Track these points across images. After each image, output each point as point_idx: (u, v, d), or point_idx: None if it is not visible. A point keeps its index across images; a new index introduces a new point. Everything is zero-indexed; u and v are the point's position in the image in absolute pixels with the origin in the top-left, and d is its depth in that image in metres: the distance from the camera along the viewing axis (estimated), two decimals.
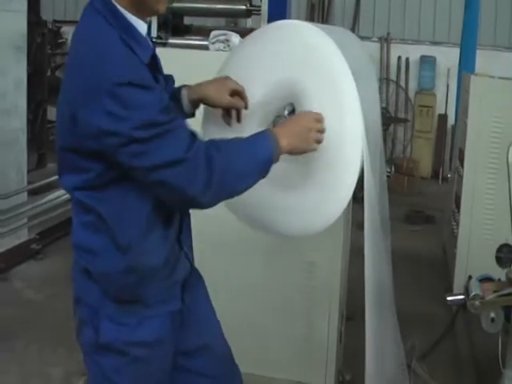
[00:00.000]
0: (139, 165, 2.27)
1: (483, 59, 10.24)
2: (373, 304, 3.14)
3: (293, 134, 2.61)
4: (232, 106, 2.84)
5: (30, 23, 7.09)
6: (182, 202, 2.44)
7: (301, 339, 4.38)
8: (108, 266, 2.48)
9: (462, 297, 3.63)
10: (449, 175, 8.51)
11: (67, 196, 7.83)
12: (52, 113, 12.54)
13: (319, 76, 2.77)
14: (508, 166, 3.67)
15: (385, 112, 11.25)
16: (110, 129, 2.20)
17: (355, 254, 4.19)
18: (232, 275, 4.32)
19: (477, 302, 3.49)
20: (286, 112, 2.83)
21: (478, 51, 9.26)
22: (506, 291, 3.48)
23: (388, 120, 10.94)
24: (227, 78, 2.85)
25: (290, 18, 6.58)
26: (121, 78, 2.19)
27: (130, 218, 2.43)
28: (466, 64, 7.79)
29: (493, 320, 3.52)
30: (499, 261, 3.79)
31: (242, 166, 2.45)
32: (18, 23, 6.77)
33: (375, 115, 3.62)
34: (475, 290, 3.55)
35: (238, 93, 2.82)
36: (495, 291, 3.52)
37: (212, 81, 2.86)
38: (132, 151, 2.24)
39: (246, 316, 4.34)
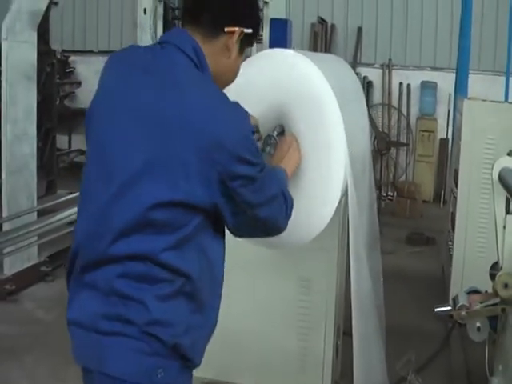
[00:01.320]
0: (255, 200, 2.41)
1: (484, 84, 10.48)
2: (359, 319, 3.34)
3: (291, 169, 2.84)
4: None
5: (39, 53, 7.26)
6: (269, 233, 2.61)
7: (298, 353, 4.50)
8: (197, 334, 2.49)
9: (449, 308, 3.81)
10: None
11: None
12: (61, 141, 12.79)
13: (305, 101, 3.02)
14: (492, 183, 3.84)
15: (384, 136, 11.44)
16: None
17: None
18: (229, 291, 4.45)
19: (463, 312, 3.66)
20: (275, 133, 3.06)
21: (479, 76, 9.47)
22: (491, 302, 3.65)
23: (388, 144, 11.13)
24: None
25: (291, 46, 6.79)
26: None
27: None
28: (461, 88, 7.98)
29: (479, 329, 3.70)
30: (493, 278, 3.91)
31: None
32: (29, 53, 6.97)
33: (362, 137, 3.84)
34: (462, 300, 3.72)
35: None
36: (481, 302, 3.69)
37: None
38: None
39: (243, 330, 4.45)
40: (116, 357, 2.30)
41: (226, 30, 2.43)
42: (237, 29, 2.45)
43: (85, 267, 2.39)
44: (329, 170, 2.93)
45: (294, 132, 3.02)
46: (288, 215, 2.58)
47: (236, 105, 2.35)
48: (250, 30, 2.49)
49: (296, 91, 3.04)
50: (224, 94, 2.36)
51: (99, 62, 14.41)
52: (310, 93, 3.04)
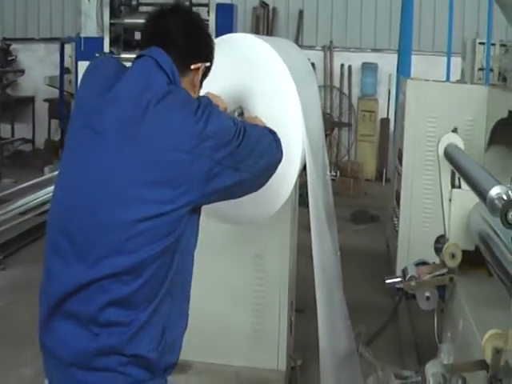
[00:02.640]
0: None
1: (425, 64, 10.67)
2: (322, 287, 3.46)
3: None
4: None
5: None
6: (271, 172, 2.72)
7: (254, 328, 4.63)
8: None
9: (399, 279, 3.96)
10: None
11: (28, 205, 8.07)
12: (4, 130, 12.68)
13: (264, 82, 3.15)
14: (438, 158, 3.99)
15: (329, 117, 11.62)
16: None
17: (303, 254, 4.50)
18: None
19: (412, 283, 3.81)
20: (236, 114, 3.17)
21: (419, 57, 9.65)
22: (439, 272, 3.80)
23: (332, 125, 11.30)
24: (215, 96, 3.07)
25: (236, 31, 6.85)
26: None
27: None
28: (404, 69, 8.14)
29: (428, 299, 3.86)
30: (437, 251, 4.06)
31: None
32: None
33: (316, 117, 3.97)
34: (411, 272, 3.87)
35: None
36: (430, 273, 3.85)
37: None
38: None
39: (198, 309, 4.41)
40: None
41: (192, 67, 2.61)
42: (200, 65, 2.63)
43: (65, 293, 2.39)
44: (287, 147, 3.04)
45: (254, 112, 3.13)
46: (278, 146, 2.72)
47: (205, 102, 2.48)
48: (208, 64, 2.69)
49: (255, 74, 3.17)
50: (193, 102, 2.47)
51: (41, 50, 14.34)
52: (269, 75, 3.18)
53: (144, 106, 2.38)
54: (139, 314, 2.34)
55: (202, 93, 2.74)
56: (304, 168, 3.39)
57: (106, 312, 2.32)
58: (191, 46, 2.62)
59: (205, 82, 2.74)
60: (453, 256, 3.71)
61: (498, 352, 2.58)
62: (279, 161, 2.72)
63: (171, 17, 2.64)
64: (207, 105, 2.45)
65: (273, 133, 2.72)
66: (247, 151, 2.50)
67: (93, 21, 7.93)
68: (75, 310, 2.35)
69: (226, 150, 2.41)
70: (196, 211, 2.48)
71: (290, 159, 3.13)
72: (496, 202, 2.58)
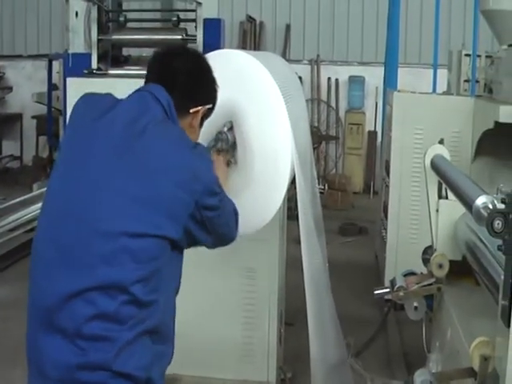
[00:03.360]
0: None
1: (410, 77, 10.72)
2: (312, 298, 3.50)
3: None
4: None
5: None
6: (226, 243, 2.79)
7: (244, 341, 4.65)
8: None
9: (387, 290, 3.99)
10: None
11: (17, 222, 8.06)
12: None
13: (253, 97, 3.21)
14: (425, 169, 4.02)
15: (316, 130, 11.66)
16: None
17: (292, 267, 4.53)
18: None
19: (401, 293, 3.84)
20: (226, 128, 3.22)
21: (405, 69, 9.70)
22: (427, 282, 3.83)
23: (319, 138, 11.37)
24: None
25: (224, 46, 6.87)
26: None
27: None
28: (390, 81, 8.19)
29: (416, 308, 3.88)
30: (425, 262, 4.09)
31: None
32: None
33: (304, 131, 4.02)
34: (399, 282, 3.91)
35: None
36: (418, 283, 3.88)
37: None
38: None
39: (189, 321, 4.42)
40: None
41: (191, 111, 2.65)
42: (200, 108, 2.68)
43: (52, 305, 2.38)
44: (276, 160, 3.09)
45: (243, 126, 3.18)
46: (237, 226, 2.78)
47: (202, 148, 2.59)
48: (210, 105, 2.74)
49: (244, 89, 3.22)
50: (190, 140, 2.56)
51: (29, 67, 14.32)
52: (258, 90, 3.24)
53: (141, 127, 2.43)
54: (126, 332, 2.33)
55: None
56: (292, 181, 3.43)
57: (91, 325, 2.30)
58: (194, 89, 2.67)
59: None
60: (440, 266, 3.74)
61: (485, 359, 2.61)
62: (233, 239, 2.80)
63: (179, 59, 2.69)
64: (204, 150, 2.58)
65: (235, 212, 2.77)
66: (221, 217, 2.59)
67: (80, 37, 7.93)
68: (62, 324, 2.34)
69: (211, 200, 2.49)
70: (178, 250, 2.51)
71: (279, 172, 3.19)
72: (482, 211, 2.61)
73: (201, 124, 2.75)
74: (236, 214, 2.76)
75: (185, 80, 2.63)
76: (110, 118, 2.48)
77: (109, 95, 2.64)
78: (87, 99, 2.65)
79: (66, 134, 2.61)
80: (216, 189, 2.52)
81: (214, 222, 2.55)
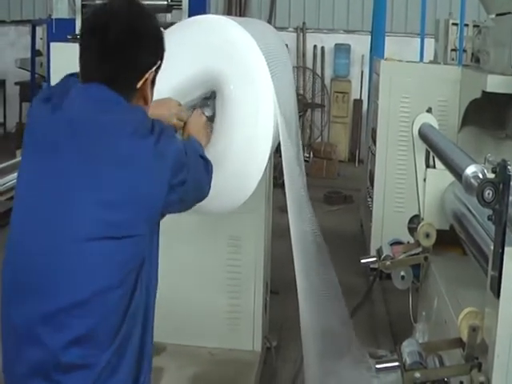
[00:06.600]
0: None
1: (396, 46, 10.67)
2: (301, 265, 3.47)
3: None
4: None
5: None
6: (199, 200, 2.65)
7: (229, 309, 4.65)
8: None
9: (374, 259, 3.98)
10: None
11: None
12: None
13: (237, 65, 3.13)
14: (413, 138, 4.00)
15: (302, 98, 11.61)
16: None
17: (278, 236, 4.51)
18: (163, 253, 4.52)
19: (388, 262, 3.83)
20: (209, 94, 3.15)
21: (391, 38, 9.65)
22: (414, 251, 3.83)
23: (304, 106, 11.32)
24: (170, 101, 2.96)
25: (209, 12, 6.81)
26: None
27: None
28: (377, 50, 8.15)
29: (403, 278, 3.88)
30: (411, 231, 4.08)
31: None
32: None
33: (290, 97, 3.96)
34: (386, 251, 3.90)
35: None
36: (404, 252, 3.87)
37: (157, 105, 2.77)
38: None
39: (175, 291, 4.44)
40: None
41: (138, 86, 2.35)
42: (147, 75, 2.35)
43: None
44: (256, 127, 3.04)
45: (225, 93, 3.11)
46: (210, 176, 2.65)
47: (158, 128, 2.33)
48: (158, 64, 2.41)
49: (228, 56, 3.14)
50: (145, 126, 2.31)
51: (12, 33, 14.17)
52: (242, 58, 3.15)
53: (98, 125, 2.24)
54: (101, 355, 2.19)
55: (163, 85, 2.60)
56: (277, 149, 3.39)
57: (68, 353, 2.16)
58: (134, 60, 2.33)
59: (174, 63, 2.69)
60: (427, 235, 3.73)
61: (474, 330, 2.60)
62: (206, 196, 2.66)
63: (111, 27, 2.28)
64: (162, 129, 2.32)
65: (207, 169, 2.64)
66: (192, 181, 2.45)
67: (64, 2, 7.83)
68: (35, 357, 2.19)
69: (180, 176, 2.33)
70: (154, 232, 2.38)
71: (262, 139, 3.12)
72: (472, 180, 2.59)
73: (153, 84, 2.42)
74: (208, 171, 2.63)
75: (120, 55, 2.29)
76: (68, 116, 2.26)
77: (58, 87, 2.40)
78: (37, 102, 2.39)
79: (25, 137, 2.38)
80: (182, 159, 2.36)
81: (187, 191, 2.42)
